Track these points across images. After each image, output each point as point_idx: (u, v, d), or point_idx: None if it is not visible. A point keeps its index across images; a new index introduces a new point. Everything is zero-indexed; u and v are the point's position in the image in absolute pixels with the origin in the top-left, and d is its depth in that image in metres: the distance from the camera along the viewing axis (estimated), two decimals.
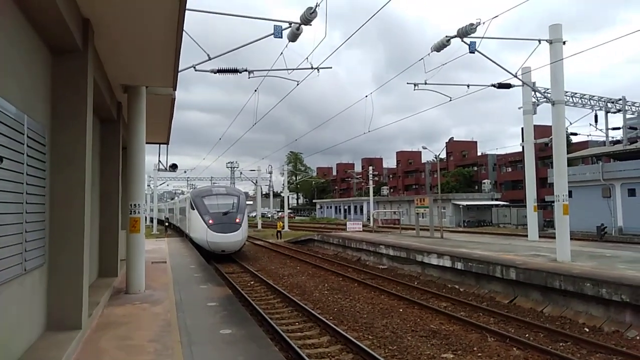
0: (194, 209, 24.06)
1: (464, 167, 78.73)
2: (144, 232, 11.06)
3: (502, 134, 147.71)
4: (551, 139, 18.03)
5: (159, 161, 21.59)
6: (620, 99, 32.10)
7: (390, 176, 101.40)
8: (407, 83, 16.54)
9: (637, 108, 33.42)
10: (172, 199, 59.56)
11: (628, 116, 33.54)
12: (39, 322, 6.25)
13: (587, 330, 10.13)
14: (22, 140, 5.31)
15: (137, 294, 10.46)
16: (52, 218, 6.53)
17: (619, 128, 34.78)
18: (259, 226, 54.55)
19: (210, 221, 22.47)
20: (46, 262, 6.42)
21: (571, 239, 14.92)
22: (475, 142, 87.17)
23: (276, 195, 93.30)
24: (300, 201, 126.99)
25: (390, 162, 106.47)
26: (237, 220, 22.86)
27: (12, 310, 5.16)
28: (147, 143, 12.04)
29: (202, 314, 8.78)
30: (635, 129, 34.52)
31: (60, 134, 6.70)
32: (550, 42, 15.19)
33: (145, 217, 11.90)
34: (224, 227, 22.34)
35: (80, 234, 6.74)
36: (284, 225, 49.45)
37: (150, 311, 8.82)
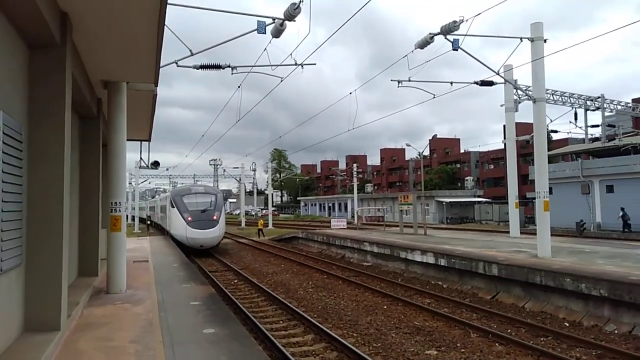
0: (173, 207, 25.32)
1: (447, 164, 79.52)
2: (125, 230, 10.88)
3: (484, 132, 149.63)
4: (532, 136, 18.28)
5: (141, 158, 21.29)
6: (599, 97, 32.71)
7: (374, 173, 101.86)
8: (391, 80, 16.60)
9: (615, 106, 34.09)
10: (153, 197, 59.31)
11: (607, 114, 34.22)
12: (17, 324, 6.09)
13: (567, 324, 10.30)
14: None
15: (118, 293, 10.28)
16: (29, 216, 6.37)
17: (598, 126, 35.46)
18: (243, 224, 54.28)
19: (189, 218, 23.84)
20: (23, 262, 6.26)
21: (551, 235, 15.15)
22: (459, 139, 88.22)
23: (260, 192, 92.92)
24: (285, 199, 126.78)
25: (374, 160, 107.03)
26: (215, 217, 24.24)
27: None
28: (128, 140, 11.82)
29: (184, 314, 8.67)
30: (614, 126, 35.24)
31: (37, 131, 6.52)
32: (531, 40, 15.37)
33: (127, 216, 11.73)
34: (202, 224, 23.69)
35: (58, 233, 6.59)
36: (266, 223, 49.29)
37: (132, 311, 8.68)
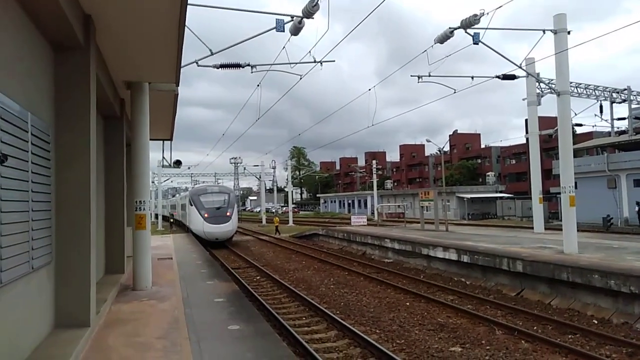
0: (192, 205, 29.01)
1: (467, 159, 78.54)
2: (149, 228, 11.06)
3: (505, 126, 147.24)
4: (556, 130, 17.88)
5: (163, 157, 21.59)
6: (625, 89, 31.85)
7: (394, 170, 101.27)
8: (411, 75, 16.44)
9: None
10: (174, 196, 60.82)
11: (633, 106, 33.28)
12: (48, 320, 6.26)
13: (596, 322, 10.07)
14: (27, 138, 5.27)
15: (144, 290, 10.47)
16: (58, 216, 6.52)
17: (624, 118, 34.53)
18: (264, 221, 54.61)
19: (206, 215, 27.25)
20: (53, 260, 6.42)
21: (577, 230, 14.83)
22: (479, 134, 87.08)
23: (280, 190, 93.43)
24: (304, 196, 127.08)
25: (393, 156, 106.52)
26: (228, 214, 27.74)
27: (19, 308, 5.16)
28: (150, 139, 12.01)
29: (209, 310, 8.77)
30: None
31: (64, 132, 6.67)
32: (554, 32, 15.04)
33: (150, 214, 12.01)
34: (217, 219, 27.20)
35: (86, 232, 6.73)
36: (285, 220, 49.51)
37: (158, 308, 8.83)
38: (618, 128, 36.99)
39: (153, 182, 57.12)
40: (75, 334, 6.25)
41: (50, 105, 6.49)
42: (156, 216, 55.26)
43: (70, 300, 6.60)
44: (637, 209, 28.51)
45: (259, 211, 61.81)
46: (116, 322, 7.75)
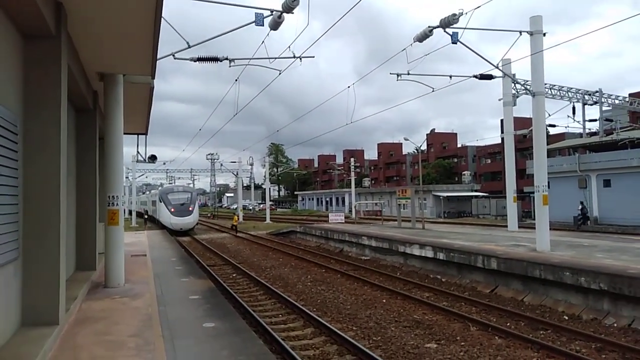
0: (161, 202, 35.68)
1: (444, 158, 79.56)
2: (123, 224, 10.80)
3: (481, 126, 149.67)
4: (530, 130, 18.21)
5: (138, 152, 21.13)
6: (597, 92, 32.70)
7: (372, 168, 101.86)
8: (390, 73, 16.50)
9: (612, 100, 34.11)
10: (143, 192, 62.39)
11: (604, 108, 34.24)
12: (14, 318, 6.03)
13: (567, 318, 10.30)
14: None
15: (117, 287, 10.23)
16: (25, 210, 6.29)
17: (595, 120, 35.48)
18: (241, 218, 54.17)
19: (172, 210, 33.97)
20: (20, 256, 6.19)
21: (550, 228, 15.15)
22: (456, 133, 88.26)
23: (257, 187, 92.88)
24: (282, 193, 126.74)
25: (371, 154, 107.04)
26: (190, 209, 34.72)
27: None
28: (124, 133, 11.72)
29: (184, 308, 8.63)
30: (611, 120, 35.27)
31: (33, 123, 6.43)
32: (531, 33, 15.28)
33: (124, 210, 11.73)
34: (181, 213, 34.03)
35: (55, 226, 6.51)
36: (266, 217, 49.22)
37: (130, 305, 8.63)
38: (589, 129, 38.00)
39: (127, 177, 56.05)
40: (43, 332, 6.04)
41: (19, 96, 6.25)
42: (130, 212, 54.25)
43: (38, 298, 6.38)
44: (580, 207, 29.45)
45: (236, 208, 61.37)
46: (87, 320, 7.53)
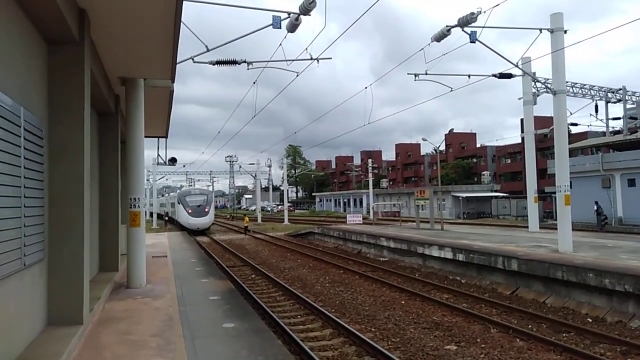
0: (179, 204, 38.49)
1: (463, 159, 78.70)
2: (144, 226, 10.99)
3: (500, 126, 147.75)
4: (551, 129, 17.91)
5: (158, 155, 21.46)
6: (620, 89, 31.95)
7: (390, 169, 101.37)
8: (408, 73, 16.43)
9: (637, 98, 33.25)
10: (162, 195, 64.93)
11: (628, 106, 33.39)
12: (40, 317, 6.19)
13: (590, 320, 10.10)
14: (19, 132, 5.21)
15: (138, 288, 10.41)
16: (51, 212, 6.45)
17: (619, 118, 34.63)
18: (259, 220, 54.52)
19: (190, 211, 36.82)
20: (46, 258, 6.35)
21: (572, 229, 14.87)
22: (474, 133, 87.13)
23: (275, 188, 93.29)
24: (300, 194, 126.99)
25: (389, 155, 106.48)
26: (206, 210, 37.46)
27: (11, 305, 5.10)
28: (145, 137, 11.92)
29: (204, 308, 8.73)
30: (636, 118, 34.37)
31: (57, 127, 6.60)
32: (551, 31, 15.05)
33: (145, 212, 11.94)
34: (198, 214, 36.78)
35: (80, 228, 6.67)
36: (284, 219, 49.36)
37: (152, 305, 8.77)
38: (613, 128, 37.10)
39: (148, 179, 56.92)
40: (68, 331, 6.19)
41: (44, 100, 6.42)
42: (151, 214, 55.08)
43: (63, 298, 6.54)
44: (595, 207, 28.79)
45: (254, 210, 61.90)
46: (110, 320, 7.68)
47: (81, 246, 6.67)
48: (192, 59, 11.84)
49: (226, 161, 67.98)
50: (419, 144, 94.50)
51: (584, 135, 50.27)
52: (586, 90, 30.55)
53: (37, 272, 6.04)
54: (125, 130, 10.97)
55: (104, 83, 9.74)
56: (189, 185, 70.06)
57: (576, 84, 30.13)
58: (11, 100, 4.97)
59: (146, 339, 6.54)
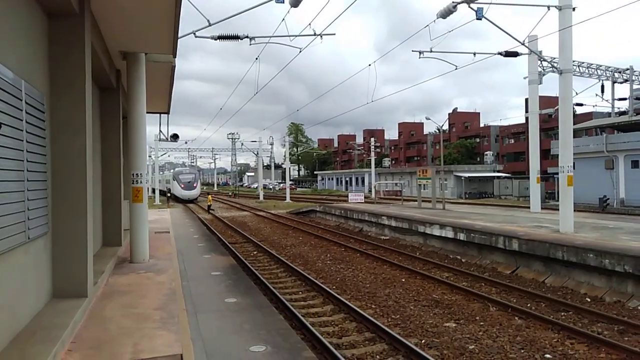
0: (174, 180, 52.18)
1: (466, 138, 78.32)
2: (147, 201, 11.02)
3: (504, 105, 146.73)
4: (556, 109, 17.75)
5: (160, 131, 21.42)
6: (627, 69, 31.56)
7: (392, 148, 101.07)
8: (413, 51, 16.20)
9: None
10: (162, 172, 71.22)
11: (635, 86, 33.06)
12: (45, 290, 6.27)
13: (589, 300, 10.19)
14: (21, 106, 5.17)
15: (142, 263, 10.50)
16: (54, 187, 6.47)
17: (625, 99, 34.31)
18: (261, 197, 54.70)
19: (182, 186, 50.54)
20: (50, 231, 6.39)
21: (574, 210, 14.88)
22: (478, 113, 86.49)
23: (277, 166, 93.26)
24: (302, 173, 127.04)
25: (392, 134, 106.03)
26: (195, 185, 51.45)
27: (17, 277, 5.15)
28: (147, 112, 11.84)
29: (206, 283, 8.83)
30: None
31: (59, 101, 6.55)
32: (559, 8, 14.75)
33: (147, 188, 11.93)
34: (188, 188, 50.67)
35: (82, 203, 6.69)
36: (286, 197, 49.48)
37: (155, 280, 8.87)
38: (619, 108, 36.82)
39: (150, 156, 56.94)
40: (72, 304, 6.27)
41: (45, 74, 6.36)
42: (153, 190, 55.29)
43: (67, 271, 6.61)
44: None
45: (256, 187, 62.17)
46: (113, 293, 7.78)
47: (84, 220, 6.71)
48: (194, 34, 11.70)
49: (228, 138, 67.80)
50: (422, 123, 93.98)
51: (589, 116, 49.88)
52: (593, 70, 30.20)
53: (42, 246, 6.08)
54: (127, 106, 10.90)
55: (105, 57, 9.63)
56: (191, 162, 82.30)
57: (583, 63, 29.79)
58: (12, 74, 4.92)
59: (149, 312, 6.63)
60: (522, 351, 7.25)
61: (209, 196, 43.38)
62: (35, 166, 5.72)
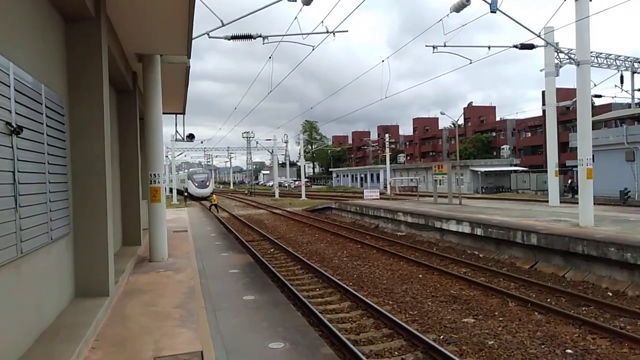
0: (189, 180, 57.01)
1: (482, 132, 77.43)
2: (164, 201, 11.17)
3: (521, 98, 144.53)
4: (574, 101, 17.45)
5: (176, 131, 21.65)
6: None
7: (407, 143, 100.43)
8: (426, 45, 16.13)
9: None
10: (177, 172, 72.79)
11: None
12: (68, 289, 6.41)
13: (611, 294, 10.03)
14: (41, 110, 5.29)
15: (161, 262, 10.65)
16: (74, 188, 6.60)
17: None
18: (277, 195, 54.91)
19: (196, 184, 55.10)
20: (71, 232, 6.52)
21: (594, 203, 14.64)
22: (494, 107, 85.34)
23: (292, 164, 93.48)
24: (317, 170, 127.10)
25: (406, 129, 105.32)
26: (207, 184, 55.74)
27: (41, 277, 5.28)
28: (163, 113, 11.98)
29: (224, 281, 8.92)
30: None
31: (78, 104, 6.68)
32: None
33: (165, 188, 12.06)
34: (201, 186, 54.86)
35: (102, 204, 6.81)
36: (301, 194, 49.59)
37: (174, 278, 8.99)
38: (639, 99, 36.00)
39: (167, 156, 57.67)
40: (95, 302, 6.40)
41: (63, 78, 6.49)
42: (170, 190, 55.95)
43: (89, 270, 6.74)
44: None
45: (272, 185, 62.55)
46: (134, 292, 7.92)
47: (105, 221, 6.83)
48: (208, 34, 11.79)
49: (243, 137, 68.33)
50: (437, 118, 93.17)
51: (608, 107, 48.92)
52: (611, 61, 29.58)
53: (64, 246, 6.22)
54: (144, 107, 11.04)
55: (121, 60, 9.77)
56: (207, 162, 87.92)
57: (601, 54, 29.19)
58: (32, 78, 5.04)
59: (169, 311, 6.73)
60: (543, 346, 7.18)
61: (213, 195, 44.62)
62: (57, 168, 5.84)
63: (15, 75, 4.54)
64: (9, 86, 4.40)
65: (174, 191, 54.47)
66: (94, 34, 6.80)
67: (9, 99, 4.40)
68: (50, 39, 6.00)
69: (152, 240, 10.81)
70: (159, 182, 10.80)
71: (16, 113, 4.53)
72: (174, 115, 19.94)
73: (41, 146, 5.28)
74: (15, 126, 4.45)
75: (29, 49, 5.13)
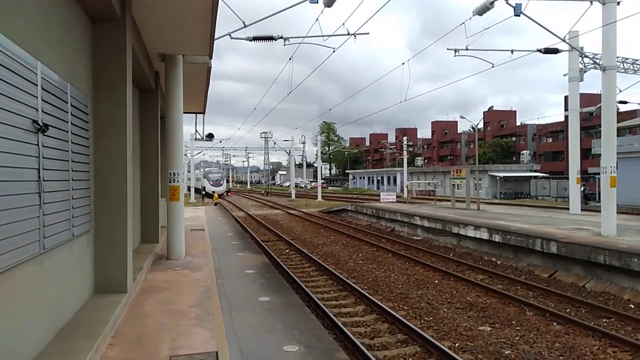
0: (205, 178, 58.96)
1: (501, 137, 76.48)
2: (183, 200, 11.28)
3: (542, 103, 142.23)
4: (598, 107, 17.11)
5: (196, 131, 21.85)
6: None
7: (425, 147, 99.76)
8: (448, 49, 15.95)
9: None
10: (195, 170, 75.56)
11: None
12: (88, 286, 6.52)
13: (633, 306, 9.78)
14: (66, 108, 5.39)
15: (178, 260, 10.76)
16: (96, 185, 6.71)
17: None
18: (293, 196, 55.05)
19: (211, 183, 57.16)
20: (92, 229, 6.63)
21: (617, 212, 14.32)
22: (514, 111, 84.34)
23: (309, 165, 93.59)
24: (333, 171, 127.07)
25: (424, 132, 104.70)
26: (221, 183, 58.28)
27: (62, 273, 5.38)
28: (184, 113, 12.12)
29: (240, 281, 8.97)
30: None
31: (101, 102, 6.79)
32: (603, 2, 14.20)
33: (184, 186, 12.24)
34: (216, 185, 56.84)
35: (123, 202, 6.91)
36: (317, 195, 49.61)
37: (191, 277, 9.07)
38: None
39: (186, 155, 58.38)
40: (113, 299, 6.49)
41: (88, 76, 6.60)
42: (189, 188, 56.58)
43: (108, 267, 6.85)
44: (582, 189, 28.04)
45: (288, 186, 62.85)
46: (152, 289, 8.01)
47: (125, 218, 6.93)
48: (230, 35, 11.88)
49: (261, 137, 68.53)
50: (456, 122, 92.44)
51: (633, 114, 47.87)
52: (638, 66, 28.85)
53: (85, 243, 6.32)
54: (165, 106, 11.18)
55: (144, 59, 9.91)
56: (225, 161, 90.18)
57: (627, 59, 28.43)
58: (58, 77, 5.13)
59: (186, 309, 6.79)
60: (561, 358, 7.04)
61: (215, 195, 49.87)
62: (80, 166, 5.95)
63: (43, 74, 4.63)
64: (37, 85, 4.49)
65: (192, 189, 55.19)
66: (119, 35, 6.91)
67: (36, 97, 4.49)
68: (77, 38, 6.11)
69: (170, 238, 10.93)
70: (178, 181, 10.91)
71: (42, 111, 4.62)
72: (194, 114, 20.15)
73: (65, 144, 5.37)
74: (41, 124, 4.54)
75: (56, 48, 5.24)
